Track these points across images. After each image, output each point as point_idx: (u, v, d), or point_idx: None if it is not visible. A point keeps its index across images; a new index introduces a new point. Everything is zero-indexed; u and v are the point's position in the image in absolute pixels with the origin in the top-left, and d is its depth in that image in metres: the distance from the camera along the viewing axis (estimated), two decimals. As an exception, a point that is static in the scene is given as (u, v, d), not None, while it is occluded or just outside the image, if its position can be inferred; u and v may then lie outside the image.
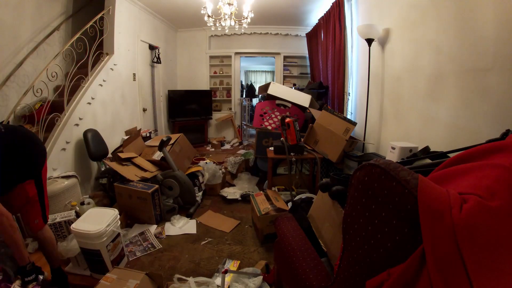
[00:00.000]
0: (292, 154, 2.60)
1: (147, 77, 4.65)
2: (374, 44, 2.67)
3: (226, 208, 2.82)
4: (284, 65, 6.03)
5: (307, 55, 5.61)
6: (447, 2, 1.77)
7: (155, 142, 3.33)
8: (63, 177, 2.42)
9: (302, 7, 4.44)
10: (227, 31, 3.74)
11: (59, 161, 2.55)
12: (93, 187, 3.04)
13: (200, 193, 3.04)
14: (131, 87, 4.01)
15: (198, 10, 3.43)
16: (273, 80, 5.65)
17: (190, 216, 2.61)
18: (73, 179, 2.45)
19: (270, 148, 2.85)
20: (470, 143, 1.19)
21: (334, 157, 2.60)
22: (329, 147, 2.66)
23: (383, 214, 0.61)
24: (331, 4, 3.79)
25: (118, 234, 1.80)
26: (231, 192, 3.08)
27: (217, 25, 3.50)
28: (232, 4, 3.24)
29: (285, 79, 6.05)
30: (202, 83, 5.99)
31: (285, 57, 5.99)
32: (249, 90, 8.59)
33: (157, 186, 2.41)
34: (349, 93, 3.60)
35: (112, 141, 3.37)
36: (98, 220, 1.69)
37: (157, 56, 4.78)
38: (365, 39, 2.64)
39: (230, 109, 6.20)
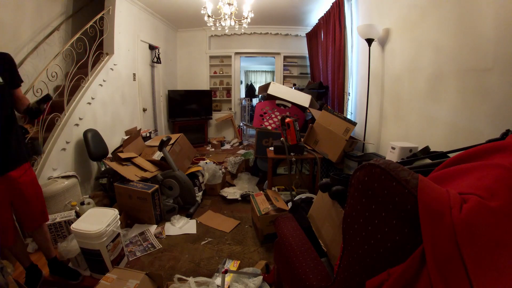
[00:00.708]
0: (292, 154, 2.60)
1: (147, 77, 4.64)
2: (374, 44, 2.67)
3: (226, 208, 2.82)
4: (284, 65, 6.03)
5: (307, 55, 5.61)
6: (447, 2, 1.77)
7: (155, 142, 3.33)
8: (63, 177, 2.42)
9: (302, 7, 4.44)
10: (227, 31, 3.74)
11: (59, 161, 2.55)
12: (93, 187, 3.04)
13: (200, 193, 3.04)
14: (131, 87, 4.01)
15: (198, 10, 3.43)
16: (273, 80, 5.65)
17: (190, 216, 2.61)
18: (73, 179, 2.45)
19: (270, 148, 2.85)
20: (470, 143, 1.18)
21: (334, 157, 2.60)
22: (329, 147, 2.66)
23: (383, 214, 0.61)
24: (331, 4, 3.79)
25: (118, 234, 1.80)
26: (231, 192, 3.08)
27: (217, 25, 3.50)
28: (232, 4, 3.24)
29: (285, 79, 6.05)
30: (202, 83, 5.99)
31: (285, 57, 6.00)
32: (249, 90, 8.60)
33: (157, 186, 2.41)
34: (349, 93, 3.60)
35: (112, 141, 3.37)
36: (98, 220, 1.69)
37: (157, 56, 4.78)
38: (365, 39, 2.64)
39: (230, 109, 6.21)
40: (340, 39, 3.59)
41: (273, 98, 3.72)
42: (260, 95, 5.81)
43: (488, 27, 1.46)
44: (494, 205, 0.53)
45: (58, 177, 2.40)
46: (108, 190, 2.71)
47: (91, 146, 2.81)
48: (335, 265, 1.06)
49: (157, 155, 3.00)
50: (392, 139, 2.34)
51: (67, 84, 2.74)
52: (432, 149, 1.69)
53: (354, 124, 2.60)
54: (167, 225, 2.42)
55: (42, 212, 1.64)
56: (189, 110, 5.57)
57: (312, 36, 5.14)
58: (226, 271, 1.56)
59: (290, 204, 2.22)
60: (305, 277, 0.95)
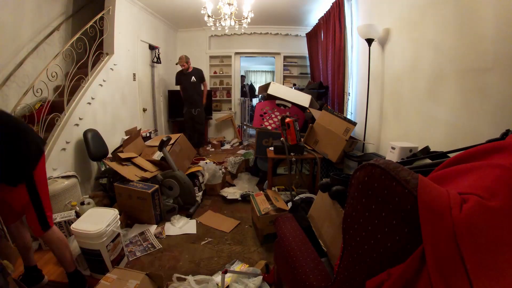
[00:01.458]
0: (292, 154, 2.60)
1: (147, 77, 4.64)
2: (374, 44, 2.67)
3: (226, 208, 2.82)
4: (284, 65, 6.03)
5: (307, 55, 5.61)
6: (447, 2, 1.77)
7: (155, 142, 3.33)
8: (63, 177, 2.42)
9: (302, 7, 4.44)
10: (227, 31, 3.74)
11: (59, 161, 2.55)
12: (93, 187, 3.04)
13: (200, 193, 3.04)
14: (131, 87, 4.01)
15: (198, 10, 3.42)
16: (273, 80, 5.65)
17: (190, 216, 2.61)
18: (73, 179, 2.45)
19: (270, 148, 2.85)
20: (470, 143, 1.18)
21: (334, 157, 2.60)
22: (329, 147, 2.66)
23: (383, 214, 0.61)
24: (331, 4, 3.79)
25: (118, 234, 1.80)
26: (231, 192, 3.08)
27: (217, 25, 3.50)
28: (232, 4, 3.23)
29: (285, 79, 6.05)
30: (202, 83, 5.99)
31: (285, 57, 5.99)
32: (249, 90, 8.59)
33: (157, 186, 2.41)
34: (349, 93, 3.60)
35: (112, 141, 3.37)
36: (98, 220, 1.68)
37: (157, 56, 4.78)
38: (365, 39, 2.64)
39: (230, 109, 6.20)
40: (340, 39, 3.59)
41: (273, 98, 3.71)
42: (260, 95, 5.81)
43: (488, 27, 1.46)
44: (494, 205, 0.53)
45: (58, 177, 2.40)
46: (108, 190, 2.71)
47: (91, 146, 2.81)
48: (335, 265, 1.06)
49: (157, 155, 3.00)
50: (392, 139, 2.34)
51: (67, 84, 2.74)
52: (432, 149, 1.69)
53: (354, 124, 2.60)
54: (167, 225, 2.42)
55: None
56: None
57: (312, 36, 5.14)
58: (226, 271, 1.56)
59: (290, 204, 2.22)
60: (305, 277, 0.95)
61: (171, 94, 5.37)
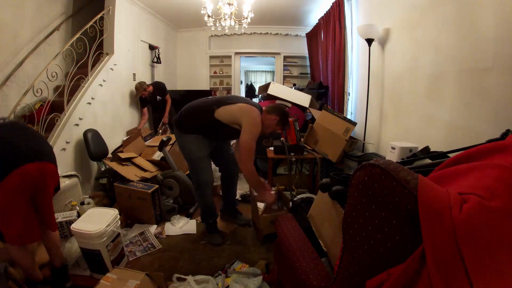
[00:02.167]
0: (292, 154, 2.60)
1: (147, 77, 4.64)
2: (374, 44, 2.67)
3: (226, 208, 2.82)
4: (284, 65, 6.03)
5: (307, 55, 5.60)
6: (447, 2, 1.77)
7: (155, 142, 3.33)
8: (64, 176, 2.42)
9: (302, 7, 4.44)
10: (227, 31, 3.74)
11: (59, 161, 2.51)
12: (93, 187, 3.04)
13: (200, 193, 3.03)
14: (131, 87, 4.00)
15: (198, 10, 3.42)
16: (273, 80, 5.64)
17: (190, 216, 2.61)
18: (74, 179, 2.45)
19: (270, 148, 2.85)
20: (470, 143, 1.18)
21: (334, 157, 2.60)
22: (329, 147, 2.66)
23: (383, 214, 0.61)
24: (331, 4, 3.79)
25: (118, 234, 1.80)
26: (231, 192, 3.07)
27: (217, 25, 3.50)
28: (232, 4, 3.23)
29: (285, 79, 6.05)
30: (202, 83, 5.98)
31: (285, 57, 5.99)
32: (249, 90, 8.59)
33: (157, 186, 2.41)
34: (349, 93, 3.60)
35: (112, 141, 3.37)
36: (98, 220, 1.68)
37: (157, 56, 4.78)
38: (365, 39, 2.64)
39: (230, 109, 6.19)
40: (340, 39, 3.59)
41: (273, 98, 3.71)
42: (260, 95, 5.80)
43: (488, 27, 1.46)
44: (494, 205, 0.53)
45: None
46: (108, 190, 2.71)
47: (91, 146, 2.81)
48: (335, 265, 1.06)
49: (157, 155, 3.00)
50: (392, 139, 2.34)
51: (67, 84, 2.74)
52: (432, 149, 1.68)
53: (354, 124, 2.60)
54: (167, 225, 2.42)
55: None
56: (189, 110, 5.56)
57: (312, 36, 5.14)
58: (226, 271, 1.56)
59: (290, 204, 2.22)
60: (305, 277, 0.95)
61: (171, 94, 5.36)
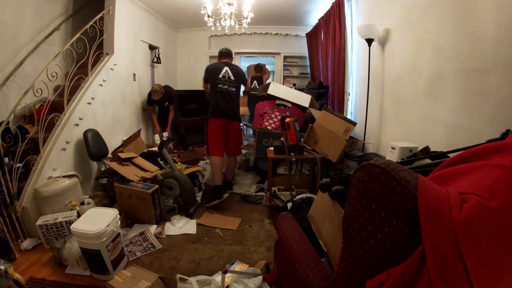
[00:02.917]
0: (292, 154, 2.60)
1: (147, 77, 4.64)
2: (374, 44, 2.67)
3: (227, 208, 2.82)
4: (284, 65, 6.03)
5: (307, 55, 5.60)
6: (447, 2, 1.77)
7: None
8: (64, 176, 2.42)
9: (302, 7, 4.44)
10: (227, 31, 3.74)
11: (59, 161, 2.55)
12: (93, 187, 3.04)
13: (200, 193, 3.04)
14: (131, 87, 4.01)
15: (198, 10, 3.42)
16: (273, 80, 5.64)
17: (190, 216, 2.61)
18: (74, 179, 2.45)
19: (270, 148, 2.85)
20: (470, 143, 1.18)
21: (334, 157, 2.60)
22: (329, 147, 2.66)
23: (383, 214, 0.61)
24: (331, 4, 3.79)
25: (118, 234, 1.80)
26: (231, 192, 3.07)
27: (217, 25, 3.50)
28: (232, 4, 3.23)
29: (285, 79, 6.05)
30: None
31: (285, 57, 5.99)
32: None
33: (157, 186, 2.41)
34: (349, 93, 3.59)
35: (112, 141, 3.37)
36: (98, 220, 1.68)
37: (157, 56, 4.78)
38: (365, 39, 2.64)
39: (230, 109, 6.19)
40: (340, 39, 3.59)
41: (273, 98, 3.71)
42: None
43: (488, 27, 1.46)
44: (494, 205, 0.53)
45: (59, 177, 2.40)
46: (108, 190, 2.71)
47: (91, 146, 2.81)
48: (335, 265, 1.06)
49: (157, 155, 3.00)
50: (392, 139, 2.34)
51: (67, 84, 2.73)
52: (432, 149, 1.69)
53: (354, 124, 2.60)
54: (167, 225, 2.42)
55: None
56: (189, 110, 5.55)
57: (312, 36, 5.14)
58: (226, 271, 1.56)
59: (290, 204, 2.22)
60: (305, 277, 0.95)
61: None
